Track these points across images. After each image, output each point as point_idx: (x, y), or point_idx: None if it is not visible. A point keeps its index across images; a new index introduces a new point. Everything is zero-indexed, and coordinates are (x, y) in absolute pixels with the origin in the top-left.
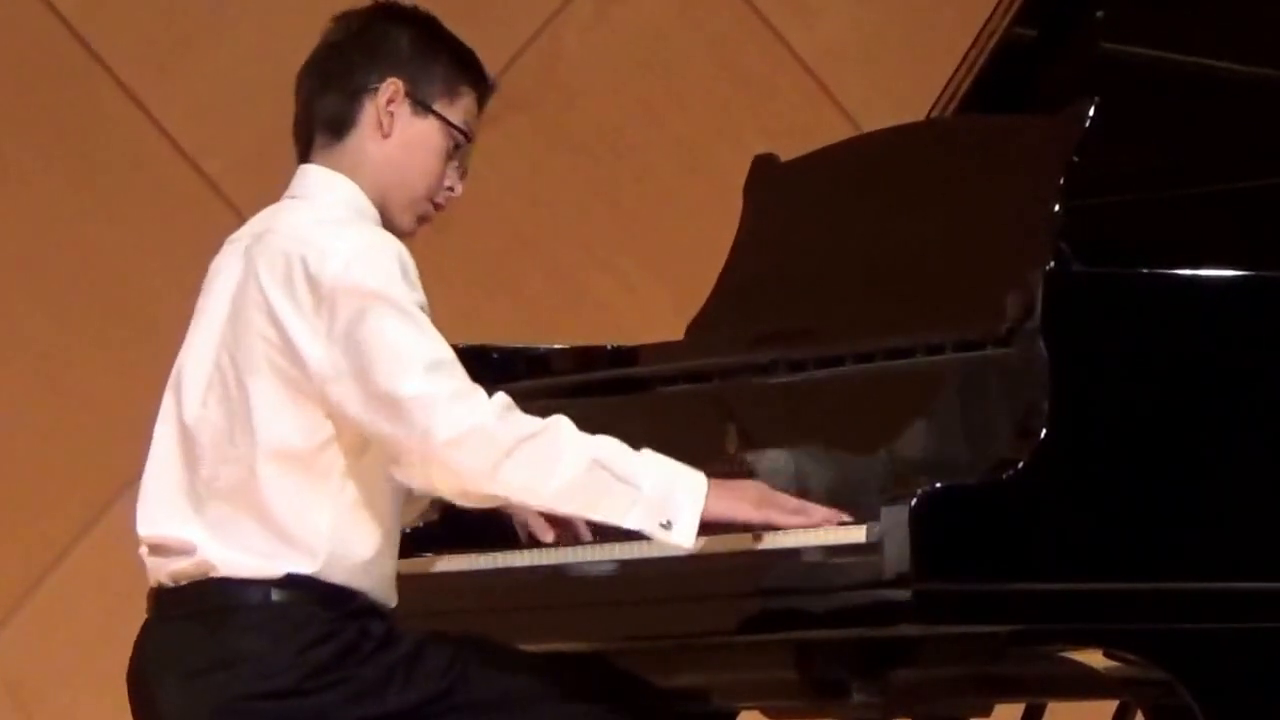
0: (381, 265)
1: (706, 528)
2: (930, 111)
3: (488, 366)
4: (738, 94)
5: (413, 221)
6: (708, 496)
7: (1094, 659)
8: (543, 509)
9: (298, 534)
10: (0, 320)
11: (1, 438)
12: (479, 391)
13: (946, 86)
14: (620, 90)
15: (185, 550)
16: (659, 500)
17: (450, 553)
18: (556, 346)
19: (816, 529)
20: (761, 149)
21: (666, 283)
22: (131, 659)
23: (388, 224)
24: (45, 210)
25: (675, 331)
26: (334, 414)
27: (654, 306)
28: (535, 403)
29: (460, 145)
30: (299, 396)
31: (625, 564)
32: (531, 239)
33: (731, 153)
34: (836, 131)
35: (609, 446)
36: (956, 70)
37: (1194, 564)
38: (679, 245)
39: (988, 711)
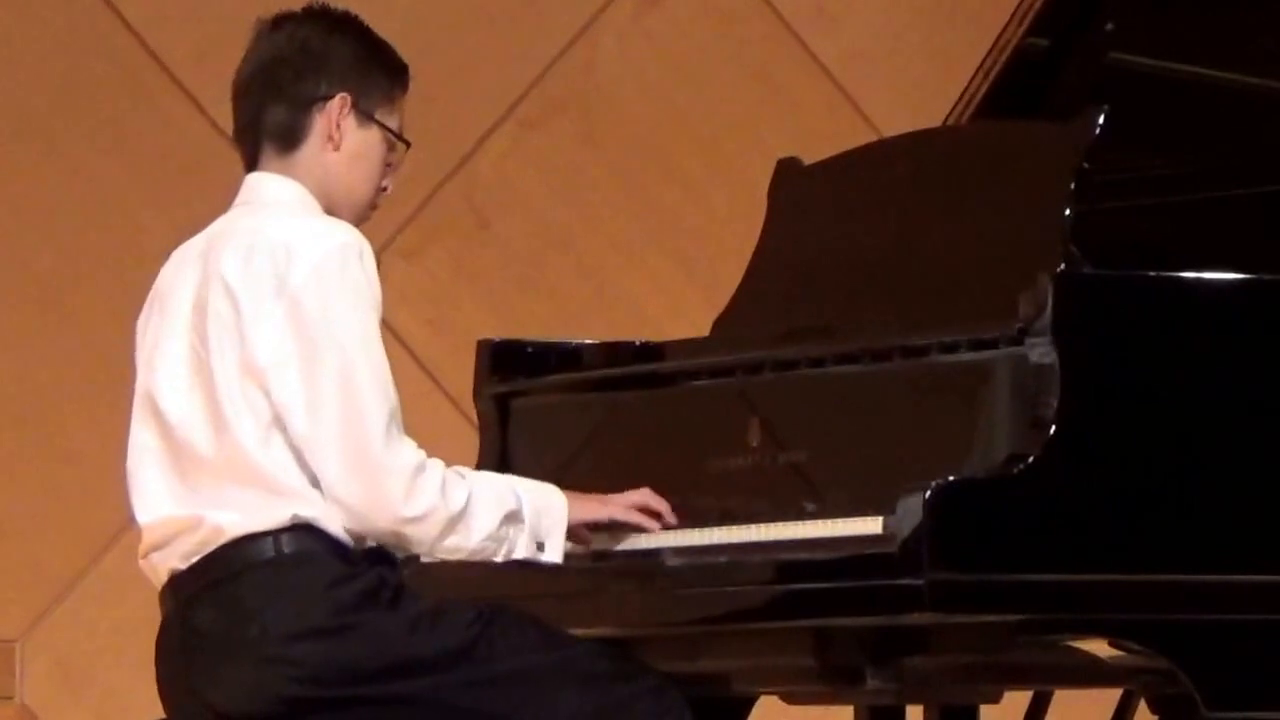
0: (349, 276)
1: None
2: (948, 118)
3: (521, 360)
4: (764, 99)
5: (357, 224)
6: (569, 511)
7: (1099, 648)
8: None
9: (290, 484)
10: (56, 307)
11: (54, 422)
12: (427, 460)
13: (963, 93)
14: (652, 94)
15: (191, 525)
16: (535, 528)
17: None
18: (587, 341)
19: (834, 521)
20: (786, 152)
21: (694, 280)
22: (158, 663)
23: None
24: (102, 201)
25: (701, 328)
26: (273, 405)
27: (681, 303)
28: (565, 396)
29: (396, 149)
30: (245, 377)
31: (646, 553)
32: (564, 237)
33: (757, 156)
34: (857, 136)
35: (507, 495)
36: (973, 78)
37: (1196, 558)
38: (706, 244)
39: (997, 698)
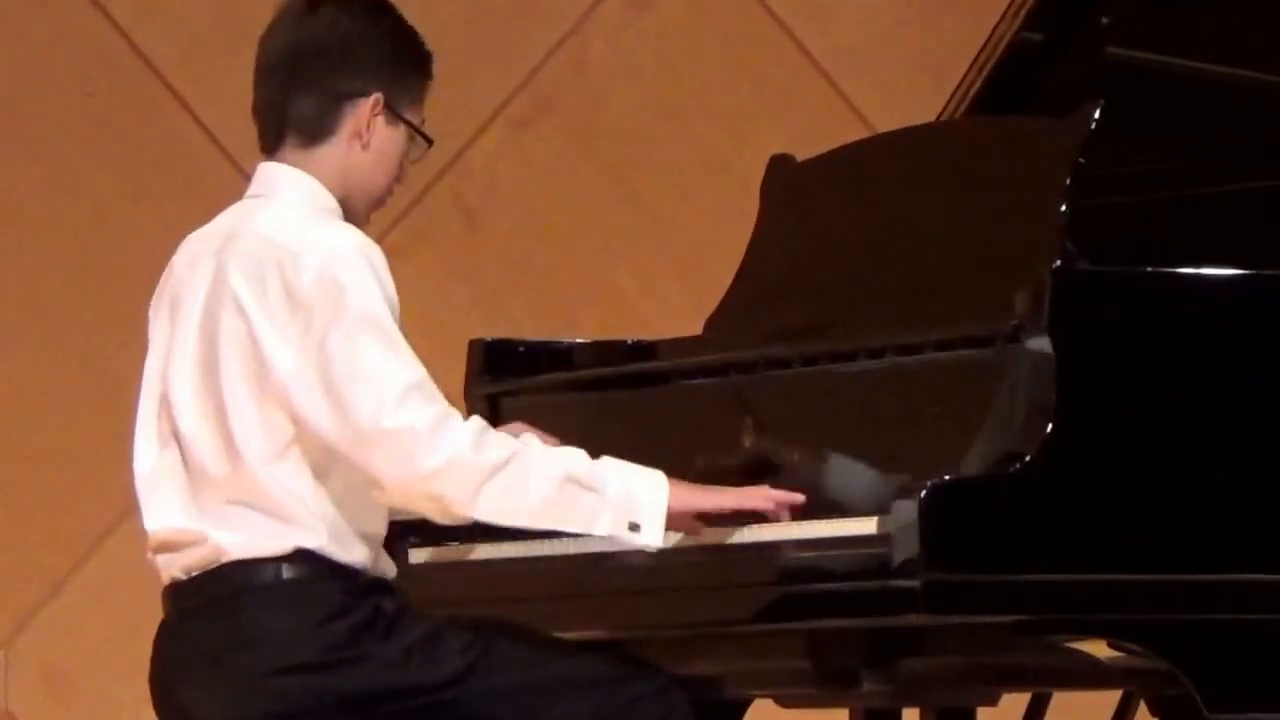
0: (356, 273)
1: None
2: (941, 114)
3: (512, 360)
4: (756, 97)
5: (370, 215)
6: (670, 494)
7: (1098, 650)
8: (520, 528)
9: (297, 514)
10: (49, 312)
11: (40, 426)
12: (454, 416)
13: (957, 89)
14: (644, 93)
15: (195, 541)
16: (625, 504)
17: (470, 542)
18: (578, 341)
19: (828, 521)
20: (778, 149)
21: (685, 279)
22: (153, 660)
23: (347, 217)
24: (96, 207)
25: (693, 327)
26: (296, 419)
27: (673, 302)
28: (556, 395)
29: (418, 143)
30: (264, 397)
31: (644, 554)
32: (556, 236)
33: (750, 153)
34: (851, 132)
35: (575, 460)
36: (967, 73)
37: (1195, 557)
38: (698, 243)
39: (994, 701)
